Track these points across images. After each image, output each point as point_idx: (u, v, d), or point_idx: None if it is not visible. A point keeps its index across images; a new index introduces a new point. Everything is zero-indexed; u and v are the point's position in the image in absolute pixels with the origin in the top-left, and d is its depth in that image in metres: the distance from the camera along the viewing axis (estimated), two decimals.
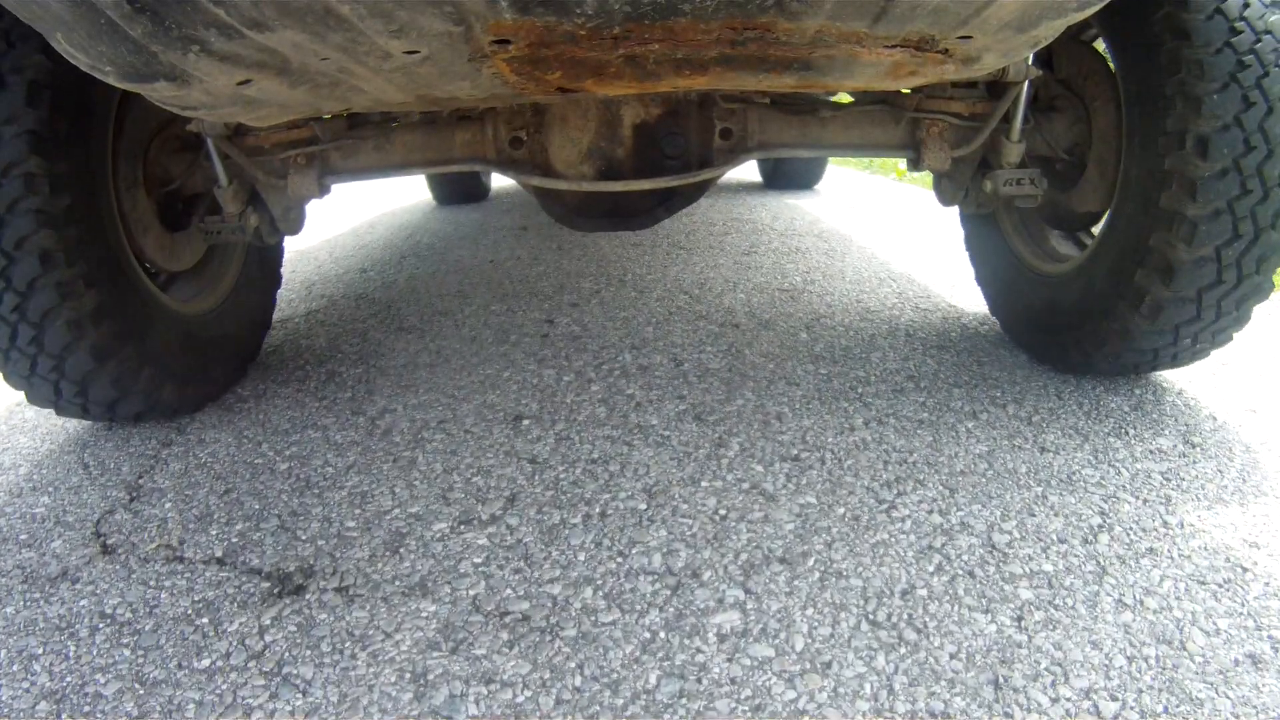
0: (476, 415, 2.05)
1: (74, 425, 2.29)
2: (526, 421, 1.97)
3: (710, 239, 4.11)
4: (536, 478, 1.70)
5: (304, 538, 1.53)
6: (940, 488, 1.63)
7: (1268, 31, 1.80)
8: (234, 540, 1.56)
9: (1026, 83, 2.03)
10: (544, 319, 2.71)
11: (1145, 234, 1.98)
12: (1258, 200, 1.82)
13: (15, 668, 1.23)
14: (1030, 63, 2.02)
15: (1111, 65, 2.12)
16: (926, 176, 3.93)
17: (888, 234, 4.23)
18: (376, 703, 1.13)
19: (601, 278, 3.29)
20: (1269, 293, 2.09)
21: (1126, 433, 1.95)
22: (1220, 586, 1.33)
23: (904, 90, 2.15)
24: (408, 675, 1.18)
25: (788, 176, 5.96)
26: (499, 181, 6.98)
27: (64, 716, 1.10)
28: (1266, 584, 1.29)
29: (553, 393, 2.15)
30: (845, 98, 2.46)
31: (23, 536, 1.68)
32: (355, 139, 2.25)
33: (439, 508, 1.61)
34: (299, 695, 1.13)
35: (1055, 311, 2.37)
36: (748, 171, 6.58)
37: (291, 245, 4.74)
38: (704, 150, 2.22)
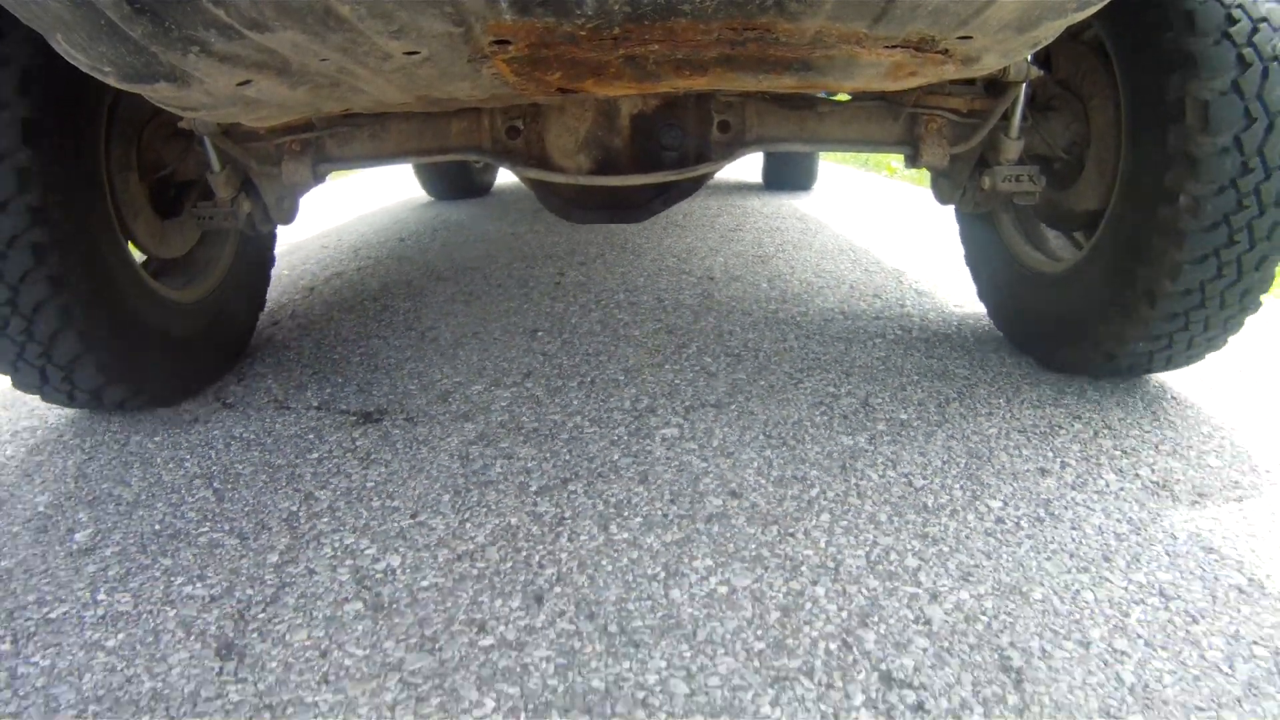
0: (502, 329, 2.55)
1: None
2: (540, 333, 2.48)
3: (704, 219, 4.40)
4: (547, 363, 2.23)
5: (377, 395, 2.05)
6: (840, 374, 2.11)
7: (1263, 18, 1.57)
8: (325, 397, 2.06)
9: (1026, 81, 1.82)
10: (556, 272, 3.18)
11: (1144, 233, 1.72)
12: (1254, 215, 1.60)
13: (170, 464, 1.73)
14: (1030, 62, 1.79)
15: (1112, 63, 1.83)
16: (918, 173, 3.74)
17: (862, 219, 4.51)
18: (435, 469, 1.65)
19: (606, 245, 3.73)
20: (1258, 305, 1.80)
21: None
22: (1037, 435, 1.78)
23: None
24: (456, 457, 1.70)
25: (783, 178, 5.52)
26: (504, 177, 5.98)
27: (214, 484, 1.62)
28: (1070, 432, 1.77)
29: (561, 317, 2.64)
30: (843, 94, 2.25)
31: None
32: (350, 126, 1.99)
33: (475, 378, 2.13)
34: (383, 468, 1.66)
35: (1052, 311, 2.08)
36: (749, 172, 6.16)
37: (327, 221, 4.77)
38: (702, 143, 1.98)
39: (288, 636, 1.20)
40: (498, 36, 1.08)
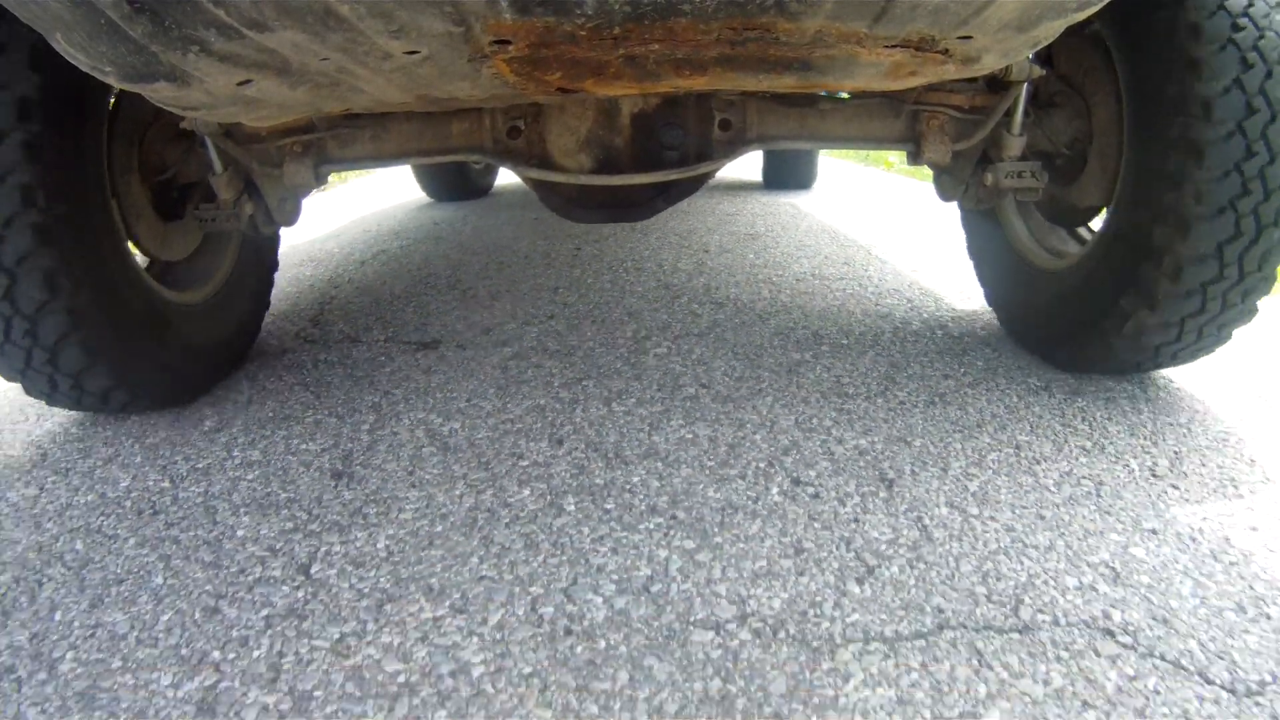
0: (529, 287, 2.90)
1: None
2: (560, 289, 2.83)
3: (706, 206, 4.67)
4: (566, 309, 2.56)
5: (431, 331, 2.40)
6: (800, 315, 2.44)
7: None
8: (389, 334, 2.41)
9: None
10: (574, 248, 3.51)
11: (1148, 228, 1.56)
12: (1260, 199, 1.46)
13: (271, 379, 2.07)
14: (1031, 60, 1.64)
15: (1113, 58, 1.67)
16: (915, 167, 3.56)
17: (850, 207, 4.69)
18: (483, 375, 2.01)
19: (617, 226, 4.01)
20: (1261, 302, 1.64)
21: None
22: (950, 354, 2.08)
23: None
24: (498, 368, 2.05)
25: (783, 176, 5.22)
26: (503, 179, 5.76)
27: (310, 389, 1.97)
28: (976, 345, 2.15)
29: (578, 279, 2.95)
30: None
31: None
32: (352, 127, 1.83)
33: (509, 319, 2.48)
34: (441, 375, 2.00)
35: (1056, 308, 1.89)
36: (749, 171, 5.91)
37: (355, 213, 4.91)
38: (703, 141, 1.84)
39: (383, 466, 1.56)
40: (498, 36, 1.01)
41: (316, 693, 1.05)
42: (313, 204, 5.11)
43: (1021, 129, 1.73)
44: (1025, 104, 1.70)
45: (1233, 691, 1.00)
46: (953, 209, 2.34)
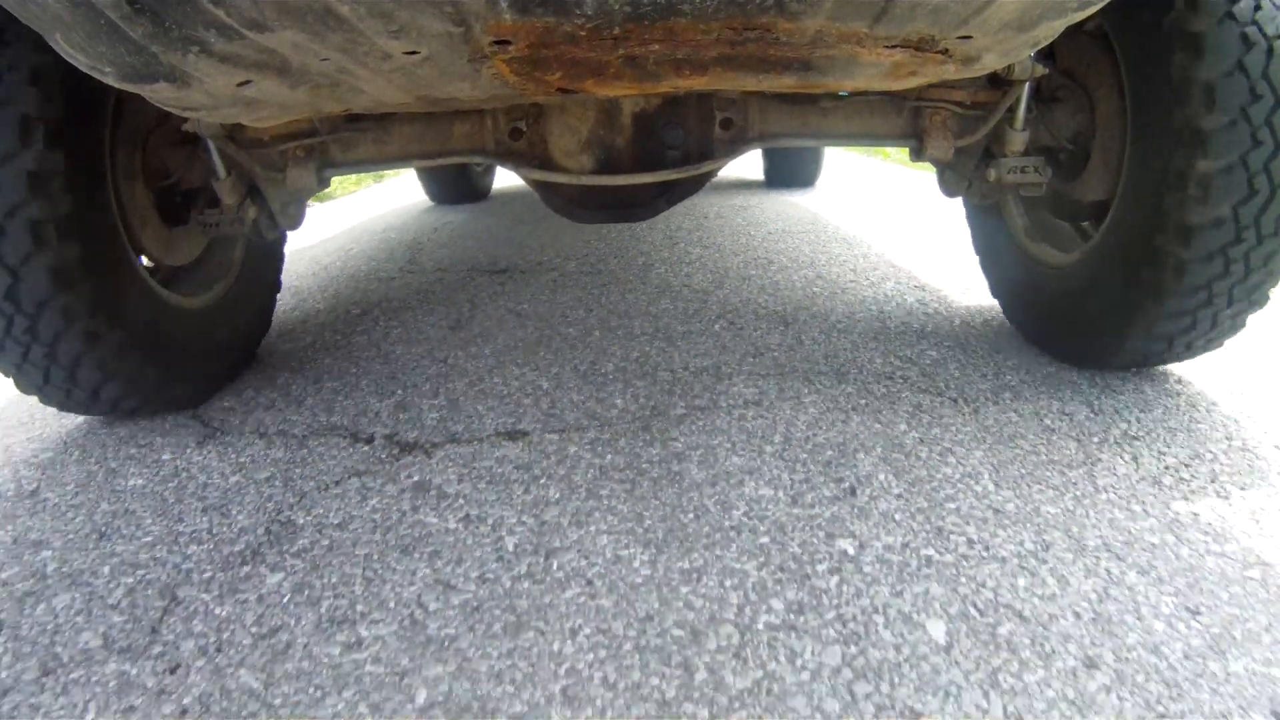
0: (569, 239, 3.61)
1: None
2: (593, 240, 3.55)
3: (708, 188, 4.90)
4: (587, 266, 3.09)
5: (501, 264, 3.21)
6: (774, 244, 3.24)
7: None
8: (469, 266, 3.27)
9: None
10: (595, 227, 3.92)
11: (1153, 221, 1.53)
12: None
13: (330, 323, 2.57)
14: (1034, 60, 1.63)
15: (1114, 50, 1.63)
16: (906, 155, 4.48)
17: (837, 189, 4.94)
18: (537, 288, 2.80)
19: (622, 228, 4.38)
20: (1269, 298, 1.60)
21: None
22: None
23: None
24: (547, 285, 2.84)
25: (785, 175, 5.17)
26: (501, 181, 5.92)
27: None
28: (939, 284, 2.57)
29: (595, 248, 3.44)
30: None
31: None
32: (354, 131, 1.82)
33: (554, 255, 3.28)
34: (511, 288, 2.83)
35: (1062, 302, 1.86)
36: (751, 170, 5.99)
37: (401, 208, 5.15)
38: (704, 141, 1.83)
39: (485, 329, 2.43)
40: (498, 36, 1.02)
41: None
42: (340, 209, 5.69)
43: (1024, 125, 1.71)
44: (1028, 100, 1.67)
45: None
46: (958, 203, 2.36)
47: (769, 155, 5.06)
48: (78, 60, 1.02)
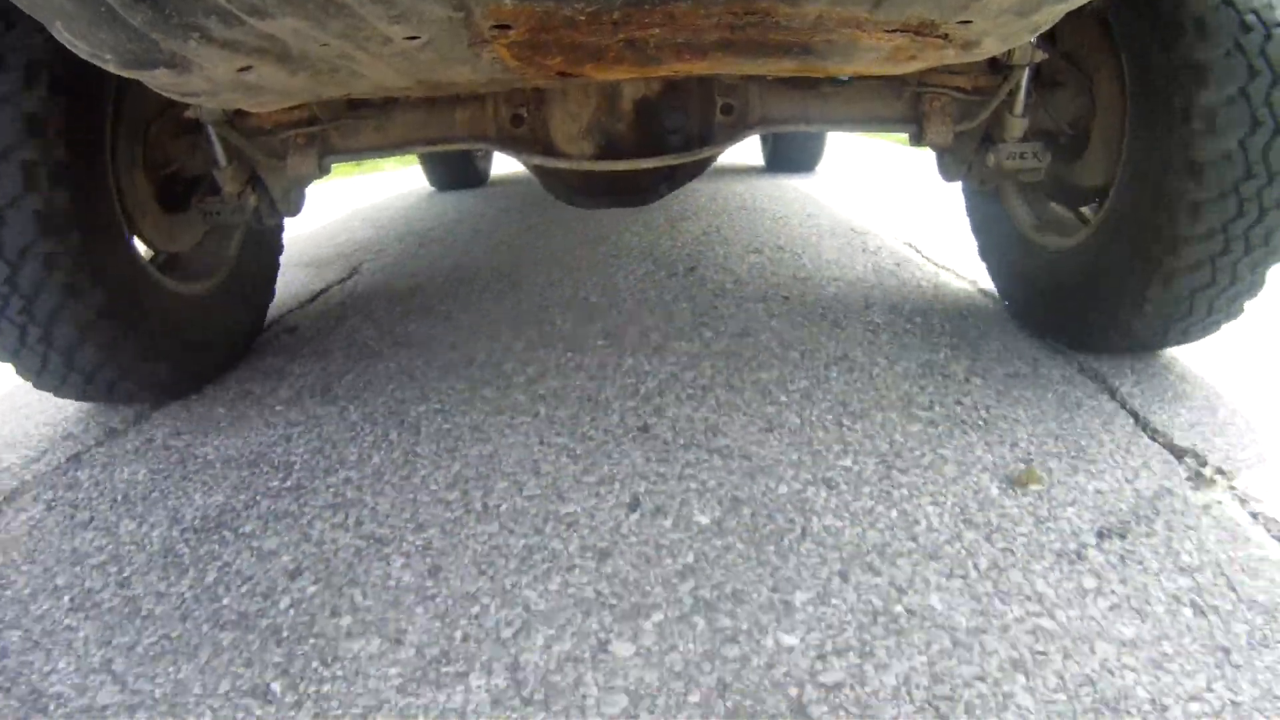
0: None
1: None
2: (598, 234, 3.51)
3: (707, 173, 5.23)
4: (598, 238, 3.31)
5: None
6: (757, 211, 3.55)
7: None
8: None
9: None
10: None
11: (1153, 204, 1.52)
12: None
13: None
14: (1035, 45, 1.62)
15: (1113, 32, 1.60)
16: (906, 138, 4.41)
17: (838, 173, 5.01)
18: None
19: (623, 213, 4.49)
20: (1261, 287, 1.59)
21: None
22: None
23: None
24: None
25: (786, 159, 5.17)
26: (499, 167, 5.89)
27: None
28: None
29: (605, 226, 3.62)
30: None
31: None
32: (355, 118, 1.81)
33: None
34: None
35: (1062, 287, 1.84)
36: (751, 155, 5.85)
37: (423, 192, 5.22)
38: (705, 125, 1.81)
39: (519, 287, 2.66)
40: (498, 21, 1.01)
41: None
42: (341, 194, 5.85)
43: (1024, 110, 1.70)
44: (1027, 85, 1.66)
45: None
46: (956, 185, 2.34)
47: (769, 140, 5.02)
48: (78, 48, 1.02)
